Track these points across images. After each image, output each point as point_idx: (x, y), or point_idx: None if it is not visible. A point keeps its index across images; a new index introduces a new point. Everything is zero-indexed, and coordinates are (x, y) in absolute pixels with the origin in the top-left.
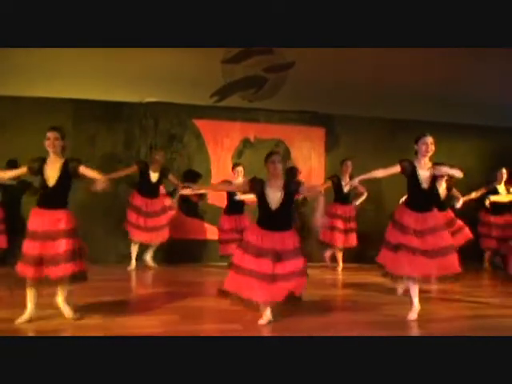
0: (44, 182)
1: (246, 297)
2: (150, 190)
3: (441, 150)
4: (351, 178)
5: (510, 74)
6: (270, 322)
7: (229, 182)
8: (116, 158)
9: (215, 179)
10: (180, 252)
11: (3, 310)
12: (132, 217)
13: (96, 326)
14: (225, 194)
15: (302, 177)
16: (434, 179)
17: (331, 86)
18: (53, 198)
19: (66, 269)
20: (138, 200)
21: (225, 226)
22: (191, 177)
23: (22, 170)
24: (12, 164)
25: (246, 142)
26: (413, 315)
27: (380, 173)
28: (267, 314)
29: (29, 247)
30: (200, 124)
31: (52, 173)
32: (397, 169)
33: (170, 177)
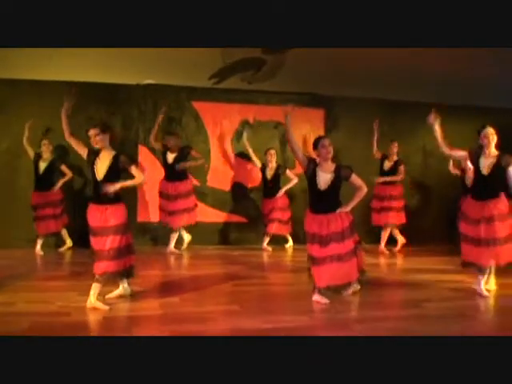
0: (94, 175)
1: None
2: (169, 172)
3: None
4: (397, 160)
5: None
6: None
7: (264, 169)
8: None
9: (214, 161)
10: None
11: (5, 294)
12: (160, 201)
13: (96, 308)
14: (259, 178)
15: None
16: (498, 167)
17: (330, 68)
18: (102, 192)
19: (111, 265)
20: (162, 184)
21: (265, 211)
22: None
23: (84, 150)
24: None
25: (245, 124)
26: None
27: (448, 151)
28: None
29: (93, 243)
30: (199, 106)
31: (101, 166)
32: (464, 154)
33: (194, 153)
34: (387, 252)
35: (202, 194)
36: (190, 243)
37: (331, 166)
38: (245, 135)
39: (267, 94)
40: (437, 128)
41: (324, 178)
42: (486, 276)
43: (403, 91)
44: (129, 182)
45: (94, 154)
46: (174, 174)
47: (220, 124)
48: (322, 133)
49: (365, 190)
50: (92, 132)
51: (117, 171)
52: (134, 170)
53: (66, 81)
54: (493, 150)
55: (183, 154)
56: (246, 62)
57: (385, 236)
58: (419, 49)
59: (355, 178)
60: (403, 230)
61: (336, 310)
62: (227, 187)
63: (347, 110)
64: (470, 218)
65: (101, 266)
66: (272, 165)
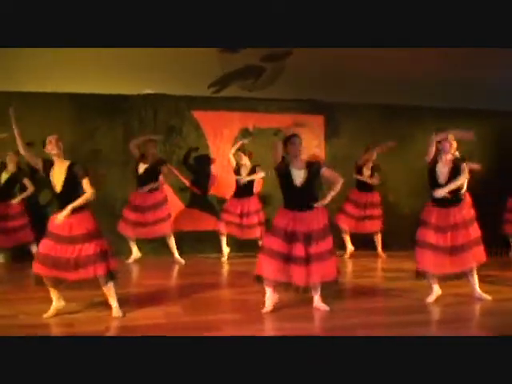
0: (52, 187)
1: (284, 280)
2: (139, 183)
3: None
4: (373, 166)
5: (510, 56)
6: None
7: (238, 170)
8: (115, 151)
9: (216, 170)
10: (185, 243)
11: (6, 307)
12: (125, 212)
13: (100, 317)
14: (233, 180)
15: None
16: (455, 174)
17: (330, 74)
18: (63, 203)
19: (89, 272)
20: (132, 195)
21: (231, 209)
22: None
23: (38, 161)
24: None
25: (245, 132)
26: (431, 298)
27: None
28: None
29: (44, 247)
30: (199, 115)
31: (58, 177)
32: (429, 156)
33: (164, 170)
34: (384, 256)
35: (204, 203)
36: (192, 252)
37: (302, 162)
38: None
39: (267, 101)
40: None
41: (298, 174)
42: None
43: (403, 96)
44: (77, 202)
45: (49, 164)
46: (144, 184)
47: (220, 133)
48: (322, 139)
49: (341, 181)
50: (53, 137)
51: (74, 181)
52: (85, 183)
53: (66, 92)
54: (449, 157)
55: (155, 167)
56: (246, 70)
57: (379, 239)
58: (418, 53)
59: (327, 171)
60: (406, 234)
61: (338, 316)
62: (228, 195)
63: (347, 116)
64: (435, 225)
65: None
66: (246, 164)
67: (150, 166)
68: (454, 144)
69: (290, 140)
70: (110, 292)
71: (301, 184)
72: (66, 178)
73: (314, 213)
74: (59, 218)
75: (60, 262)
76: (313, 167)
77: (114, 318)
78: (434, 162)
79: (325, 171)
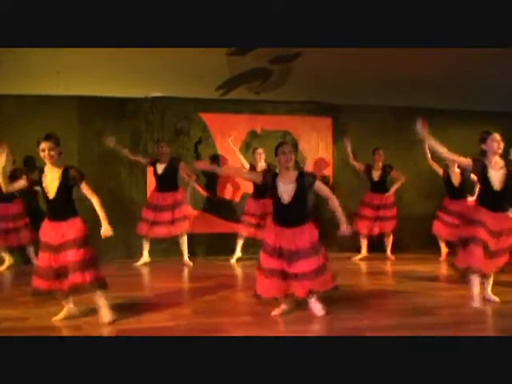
0: (45, 194)
1: (281, 295)
2: (159, 183)
3: (447, 136)
4: (384, 166)
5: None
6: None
7: (252, 170)
8: (122, 154)
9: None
10: (194, 246)
11: (17, 310)
12: (143, 212)
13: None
14: (241, 182)
15: (310, 167)
16: (509, 178)
17: (337, 76)
18: (56, 210)
19: (77, 278)
20: (151, 195)
21: (251, 210)
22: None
23: (23, 183)
24: (29, 161)
25: (252, 135)
26: (475, 303)
27: (447, 154)
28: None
29: (41, 260)
30: (206, 117)
31: (51, 184)
32: (468, 162)
33: (182, 166)
34: (393, 258)
35: (213, 205)
36: (201, 255)
37: (293, 174)
38: (230, 140)
39: (274, 103)
40: (426, 135)
41: (286, 190)
42: (490, 281)
43: (411, 97)
44: (101, 212)
45: (37, 172)
46: (164, 184)
47: (228, 135)
48: (330, 141)
49: (334, 199)
50: (47, 145)
51: (68, 187)
52: (85, 189)
53: (73, 95)
54: (498, 159)
55: (173, 166)
56: (253, 73)
57: (389, 242)
58: (426, 54)
59: (320, 186)
60: (416, 235)
61: (347, 318)
62: (237, 198)
63: (355, 118)
64: (488, 229)
65: (70, 279)
66: (261, 164)
67: (169, 165)
68: (502, 143)
69: (279, 148)
70: (100, 301)
71: (288, 201)
72: (60, 184)
73: (300, 230)
74: (107, 233)
75: (54, 273)
76: (304, 181)
77: (124, 322)
78: (482, 166)
79: (318, 187)
